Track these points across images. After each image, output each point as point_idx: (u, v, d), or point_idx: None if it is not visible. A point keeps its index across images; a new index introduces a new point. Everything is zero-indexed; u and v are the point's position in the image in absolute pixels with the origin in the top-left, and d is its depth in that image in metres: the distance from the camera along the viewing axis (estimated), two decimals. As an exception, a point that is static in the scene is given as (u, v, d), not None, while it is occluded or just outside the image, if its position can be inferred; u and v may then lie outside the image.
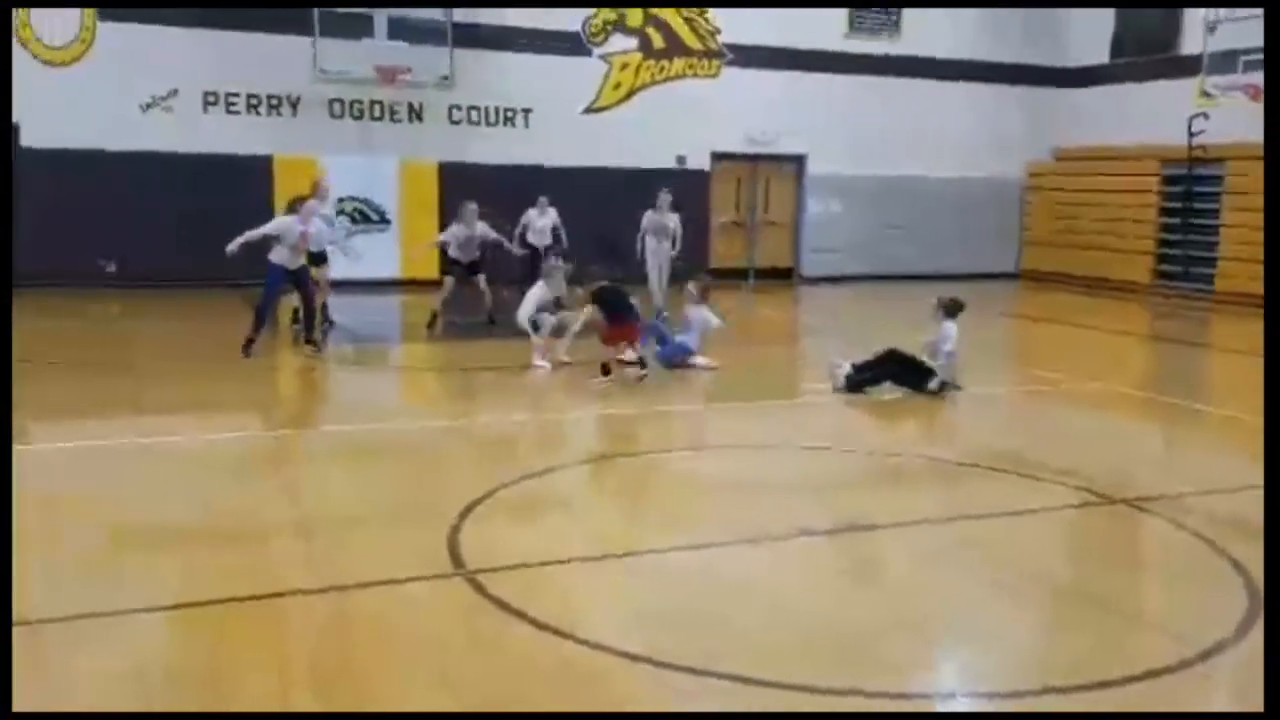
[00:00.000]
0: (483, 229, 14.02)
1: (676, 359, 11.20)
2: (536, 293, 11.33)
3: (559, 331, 11.15)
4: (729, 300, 18.90)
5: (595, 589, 5.42)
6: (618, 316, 10.50)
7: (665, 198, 15.22)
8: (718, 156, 20.26)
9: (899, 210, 21.22)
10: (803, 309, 18.81)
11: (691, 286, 11.74)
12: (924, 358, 10.14)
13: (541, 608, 4.92)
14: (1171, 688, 4.43)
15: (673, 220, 15.22)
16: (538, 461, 7.81)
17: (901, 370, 10.15)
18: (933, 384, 10.02)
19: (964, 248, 21.62)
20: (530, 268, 15.64)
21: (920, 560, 5.90)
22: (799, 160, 20.95)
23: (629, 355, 10.63)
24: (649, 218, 15.09)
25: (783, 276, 21.05)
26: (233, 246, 11.23)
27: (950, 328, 10.16)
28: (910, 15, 21.06)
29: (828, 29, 20.56)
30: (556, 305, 11.51)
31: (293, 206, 12.10)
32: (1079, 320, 16.40)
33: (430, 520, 6.13)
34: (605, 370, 10.31)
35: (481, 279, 13.99)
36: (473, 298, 14.04)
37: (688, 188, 19.70)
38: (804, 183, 21.08)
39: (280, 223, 11.65)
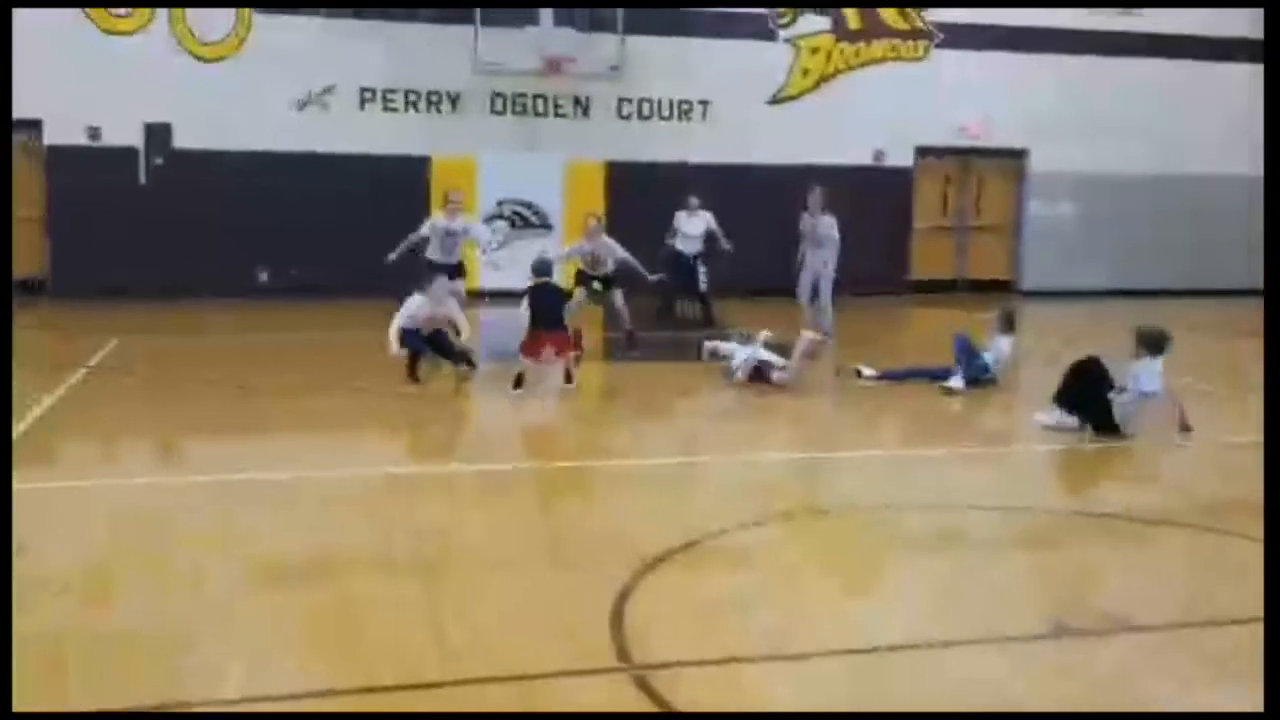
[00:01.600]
0: (609, 246, 12.32)
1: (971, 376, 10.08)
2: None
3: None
4: (935, 318, 17.04)
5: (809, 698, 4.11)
6: (543, 321, 9.81)
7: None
8: (923, 151, 18.22)
9: (1139, 213, 18.61)
10: (1023, 330, 16.53)
11: (996, 314, 10.75)
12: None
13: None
14: None
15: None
16: (725, 514, 6.26)
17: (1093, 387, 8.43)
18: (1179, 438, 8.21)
19: (1216, 258, 18.79)
20: (686, 277, 14.14)
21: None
22: (1020, 155, 18.66)
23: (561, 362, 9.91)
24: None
25: (998, 290, 18.76)
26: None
27: (1149, 364, 8.31)
28: (1153, -15, 18.45)
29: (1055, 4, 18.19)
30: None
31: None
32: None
33: (589, 589, 5.02)
34: (517, 382, 9.61)
35: (618, 295, 12.39)
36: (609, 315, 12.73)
37: (887, 187, 17.90)
38: (1026, 181, 18.76)
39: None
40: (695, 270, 14.20)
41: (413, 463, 7.93)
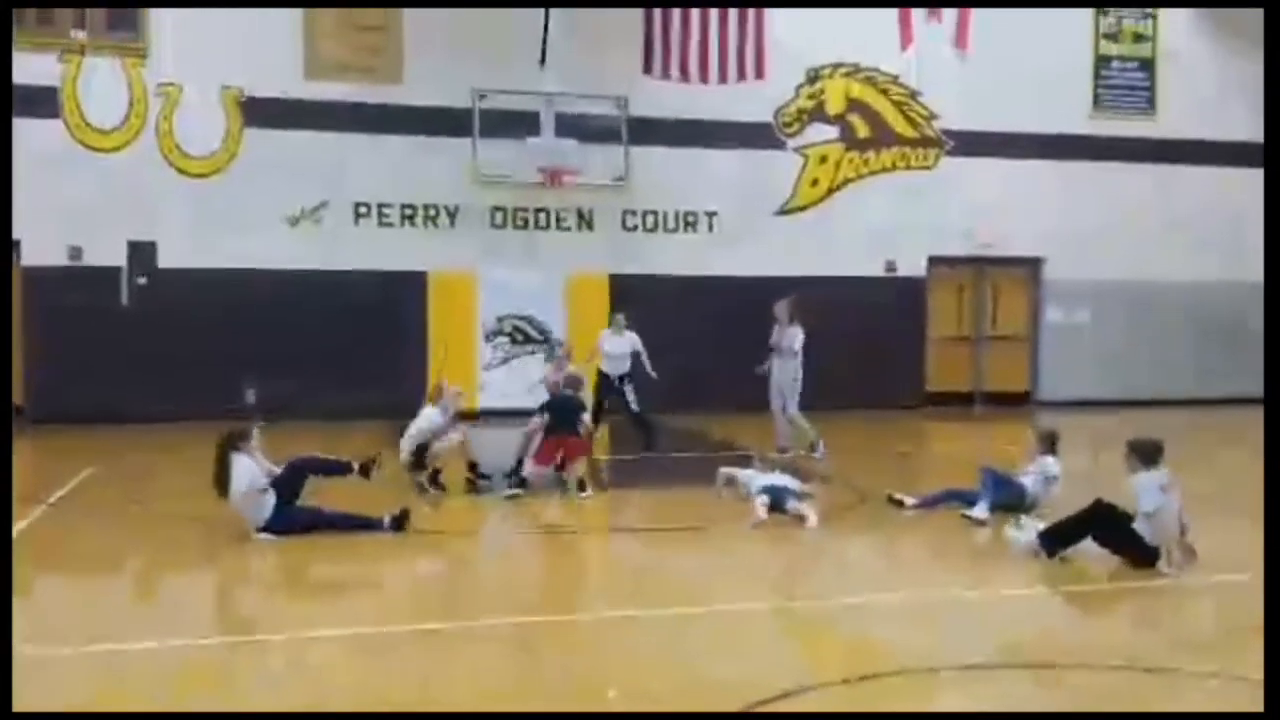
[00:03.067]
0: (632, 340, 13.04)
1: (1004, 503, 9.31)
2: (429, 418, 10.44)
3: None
4: (951, 431, 16.58)
5: None
6: (560, 428, 10.27)
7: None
8: (936, 261, 17.94)
9: (1162, 321, 18.33)
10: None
11: (1035, 433, 10.10)
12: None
13: None
14: None
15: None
16: (807, 669, 5.56)
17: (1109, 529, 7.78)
18: (1164, 566, 7.51)
19: (1245, 366, 18.45)
20: (613, 399, 13.53)
21: None
22: (1034, 263, 18.40)
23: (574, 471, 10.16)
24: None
25: (1017, 402, 18.33)
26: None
27: (1145, 479, 7.63)
28: (1167, 90, 18.44)
29: (1067, 108, 18.13)
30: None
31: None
32: None
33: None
34: (520, 482, 10.13)
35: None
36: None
37: (900, 297, 17.54)
38: (1041, 289, 18.48)
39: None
40: (623, 392, 13.36)
41: (446, 618, 7.11)
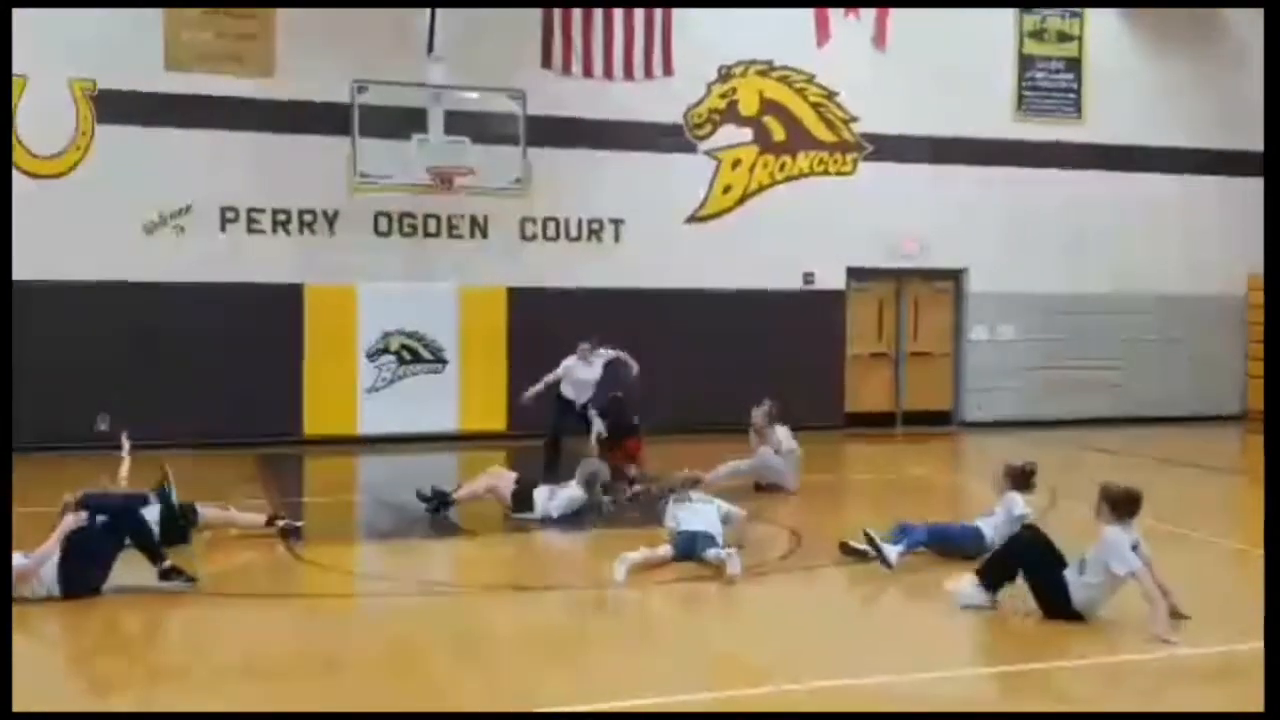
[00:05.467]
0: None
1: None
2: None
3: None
4: (870, 452, 15.79)
5: None
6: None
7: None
8: (854, 273, 17.14)
9: (1087, 335, 17.77)
10: (962, 462, 15.45)
11: (1003, 468, 8.52)
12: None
13: None
14: None
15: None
16: None
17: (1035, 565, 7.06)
18: (1159, 631, 6.55)
19: (1171, 382, 18.04)
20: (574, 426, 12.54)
21: None
22: (956, 275, 17.72)
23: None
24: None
25: (938, 422, 17.62)
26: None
27: (1117, 536, 6.77)
28: (1094, 93, 17.92)
29: (989, 113, 17.48)
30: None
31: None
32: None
33: None
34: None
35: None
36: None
37: (817, 311, 16.72)
38: (963, 303, 17.80)
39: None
40: (588, 419, 12.34)
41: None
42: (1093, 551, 6.83)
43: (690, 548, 8.18)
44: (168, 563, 7.45)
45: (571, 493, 9.94)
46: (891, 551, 8.05)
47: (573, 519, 9.86)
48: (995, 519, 8.28)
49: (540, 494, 9.92)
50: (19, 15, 13.65)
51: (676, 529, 8.42)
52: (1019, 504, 8.11)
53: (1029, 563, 7.04)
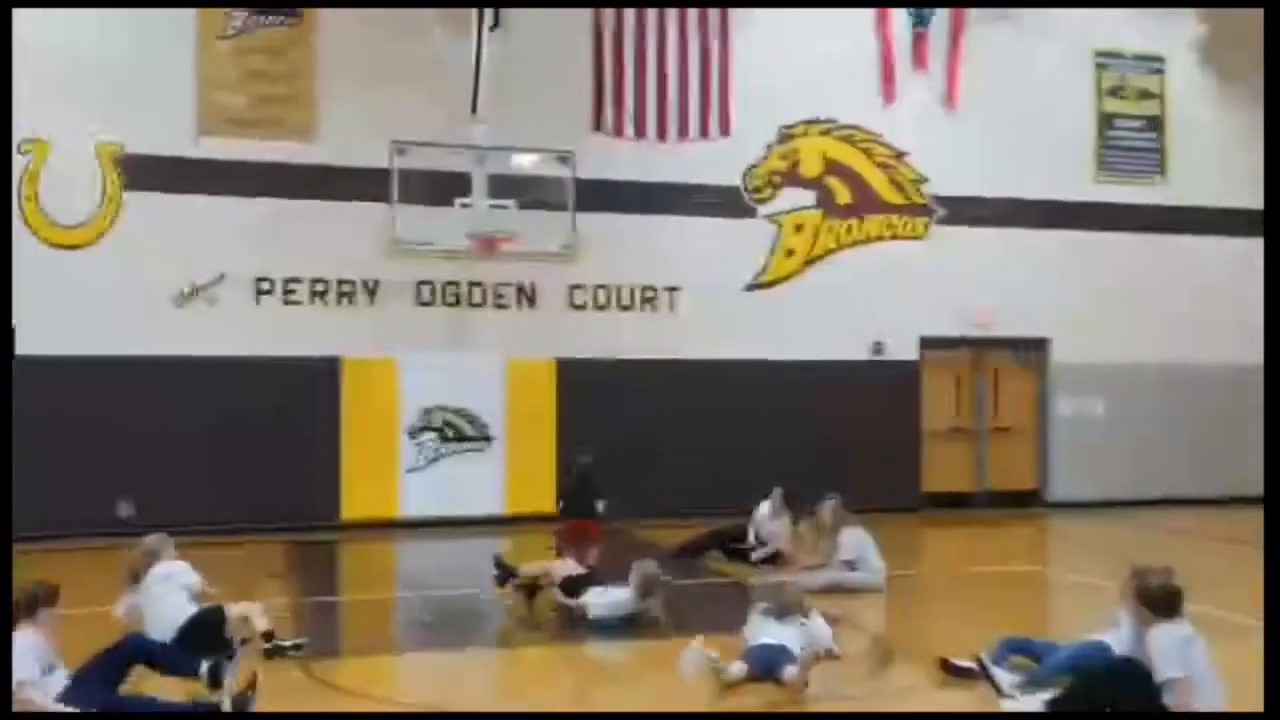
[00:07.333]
0: None
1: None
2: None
3: None
4: (954, 539, 14.52)
5: None
6: None
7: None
8: (929, 343, 16.02)
9: (1183, 407, 16.45)
10: (1059, 552, 14.10)
11: (1131, 583, 6.60)
12: None
13: None
14: None
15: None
16: None
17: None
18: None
19: None
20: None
21: None
22: (1039, 345, 16.53)
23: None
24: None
25: (1024, 502, 16.31)
26: None
27: (1164, 637, 5.78)
28: (1178, 154, 16.85)
29: (1069, 173, 16.47)
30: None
31: None
32: None
33: None
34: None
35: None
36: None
37: (888, 384, 15.60)
38: (1047, 375, 16.57)
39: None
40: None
41: None
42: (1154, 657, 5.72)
43: (771, 664, 6.92)
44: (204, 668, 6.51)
45: (622, 596, 8.76)
46: (1004, 677, 6.75)
47: (623, 625, 8.66)
48: (1123, 634, 6.62)
49: (593, 590, 8.80)
50: (40, 73, 13.24)
51: (752, 643, 7.24)
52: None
53: (1129, 698, 5.75)
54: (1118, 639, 6.65)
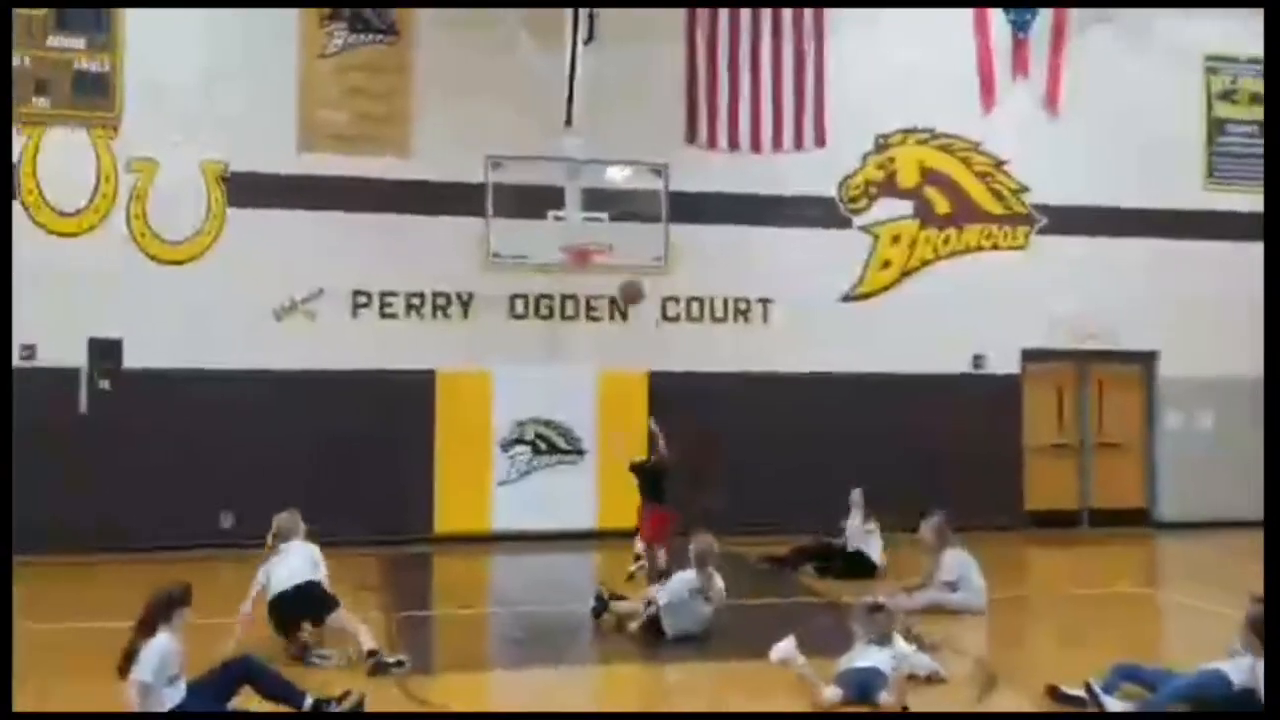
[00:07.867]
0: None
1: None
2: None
3: None
4: (1058, 560, 14.09)
5: None
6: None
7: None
8: (1030, 355, 15.63)
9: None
10: (1168, 574, 13.59)
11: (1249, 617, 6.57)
12: None
13: None
14: None
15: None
16: None
17: None
18: None
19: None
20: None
21: None
22: (1147, 358, 16.02)
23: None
24: None
25: (1131, 521, 15.79)
26: None
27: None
28: (1292, 157, 16.18)
29: (1177, 180, 15.96)
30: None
31: None
32: None
33: None
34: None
35: None
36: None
37: (989, 397, 15.23)
38: (1155, 389, 16.05)
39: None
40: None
41: None
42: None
43: (863, 689, 6.78)
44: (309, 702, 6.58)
45: (681, 576, 8.69)
46: (1115, 705, 6.49)
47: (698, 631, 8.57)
48: (1242, 664, 6.41)
49: (653, 588, 8.84)
50: (147, 96, 13.60)
51: (846, 666, 7.09)
52: None
53: None
54: (1237, 669, 6.36)
